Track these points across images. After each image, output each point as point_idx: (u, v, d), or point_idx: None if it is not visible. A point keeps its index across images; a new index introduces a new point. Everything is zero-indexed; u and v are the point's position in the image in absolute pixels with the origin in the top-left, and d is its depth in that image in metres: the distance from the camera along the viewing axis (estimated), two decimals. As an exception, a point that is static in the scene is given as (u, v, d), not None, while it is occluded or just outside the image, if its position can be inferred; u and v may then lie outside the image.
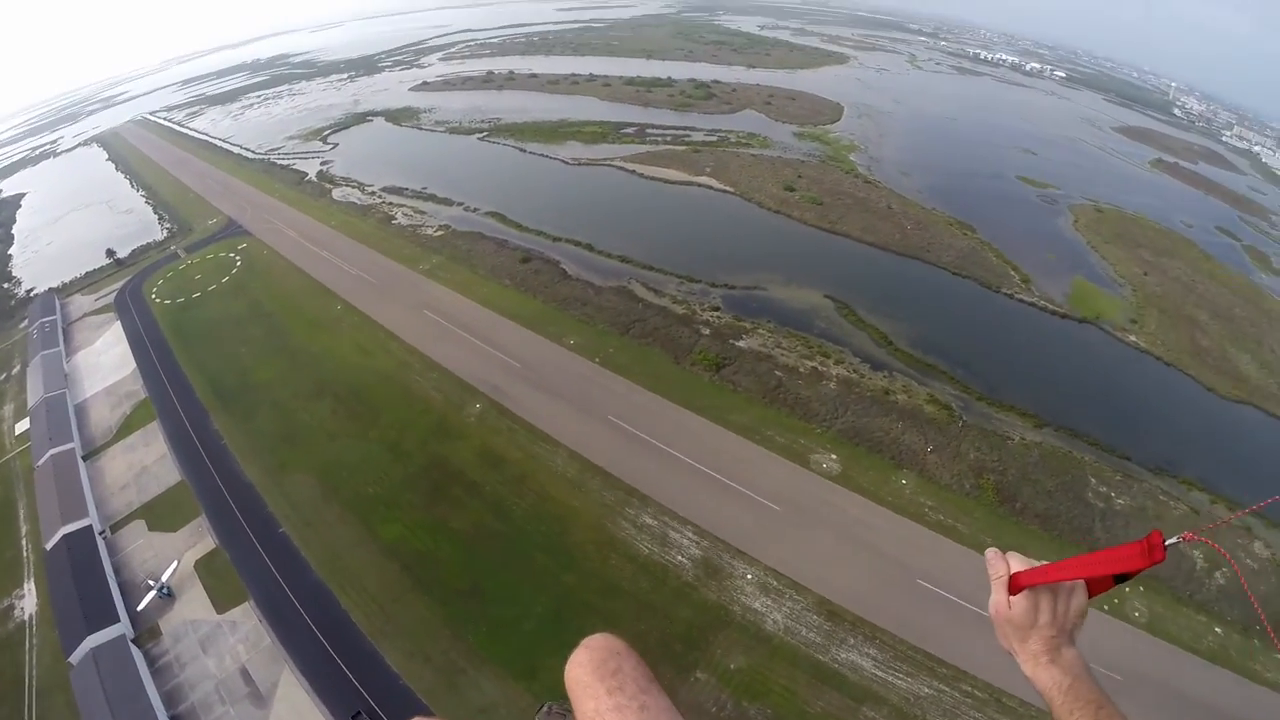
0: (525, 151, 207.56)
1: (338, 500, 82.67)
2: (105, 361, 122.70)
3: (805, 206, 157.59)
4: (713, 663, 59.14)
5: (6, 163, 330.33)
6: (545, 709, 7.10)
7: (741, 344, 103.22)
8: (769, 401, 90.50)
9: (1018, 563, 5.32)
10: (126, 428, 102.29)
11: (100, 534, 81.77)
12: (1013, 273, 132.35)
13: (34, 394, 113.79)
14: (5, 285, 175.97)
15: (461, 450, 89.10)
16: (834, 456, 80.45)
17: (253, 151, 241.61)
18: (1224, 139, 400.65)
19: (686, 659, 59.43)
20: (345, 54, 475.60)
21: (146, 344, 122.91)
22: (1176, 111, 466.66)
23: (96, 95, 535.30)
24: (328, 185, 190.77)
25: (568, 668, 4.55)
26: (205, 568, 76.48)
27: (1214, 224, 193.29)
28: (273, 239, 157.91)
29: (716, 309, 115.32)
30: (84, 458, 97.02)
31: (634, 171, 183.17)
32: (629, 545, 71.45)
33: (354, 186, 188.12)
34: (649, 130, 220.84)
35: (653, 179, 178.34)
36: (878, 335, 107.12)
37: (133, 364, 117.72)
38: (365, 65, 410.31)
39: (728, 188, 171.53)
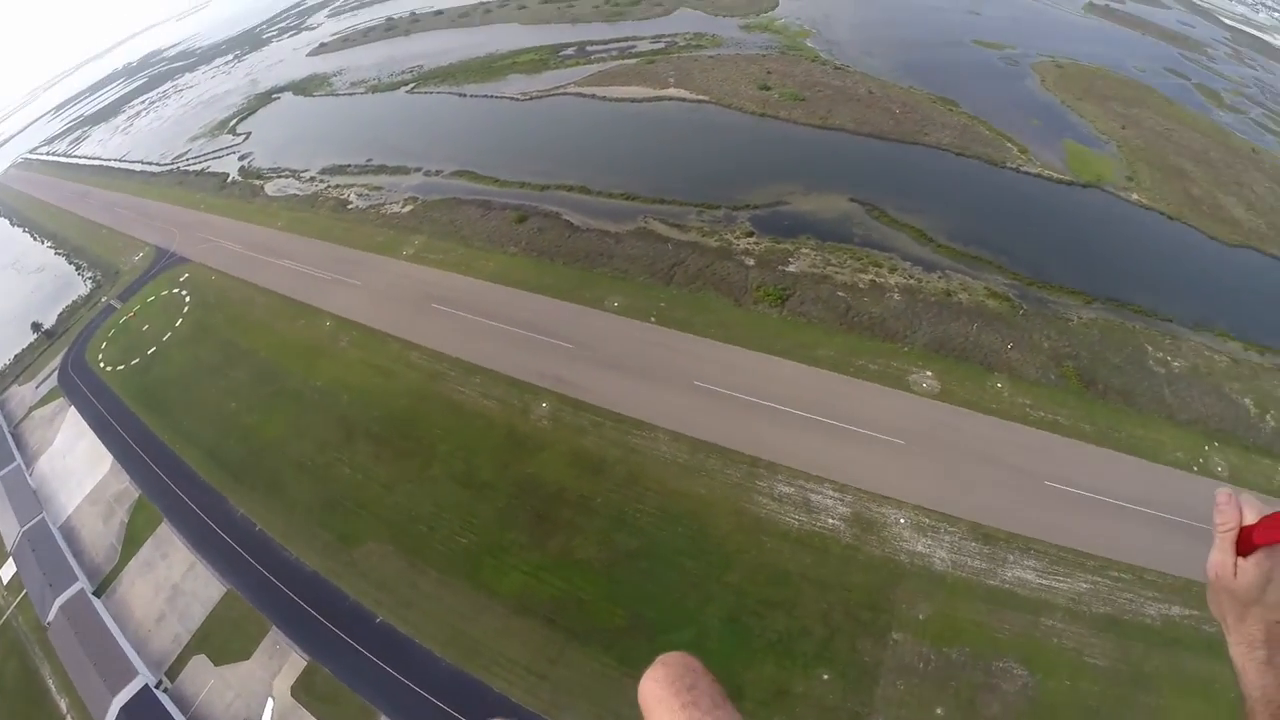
0: (465, 96, 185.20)
1: (429, 564, 68.46)
2: (74, 463, 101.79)
3: (789, 105, 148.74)
4: (903, 619, 56.96)
5: None
6: None
7: (792, 268, 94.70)
8: (846, 328, 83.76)
9: (1252, 511, 4.15)
10: (132, 540, 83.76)
11: (160, 688, 65.45)
12: (1010, 145, 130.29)
13: (6, 527, 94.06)
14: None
15: (550, 464, 75.44)
16: (929, 373, 76.41)
17: (156, 164, 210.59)
18: None
19: (878, 624, 56.80)
20: (222, 34, 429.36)
21: (115, 426, 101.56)
22: None
23: None
24: (256, 182, 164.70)
25: (643, 683, 4.29)
26: (308, 692, 61.71)
27: (1163, 66, 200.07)
28: (217, 259, 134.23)
29: (750, 234, 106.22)
30: (96, 593, 79.91)
31: (593, 95, 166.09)
32: (776, 522, 64.81)
33: (287, 176, 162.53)
34: (589, 48, 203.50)
35: (617, 100, 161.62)
36: (915, 233, 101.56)
37: (108, 457, 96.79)
38: (248, 41, 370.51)
39: (701, 96, 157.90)
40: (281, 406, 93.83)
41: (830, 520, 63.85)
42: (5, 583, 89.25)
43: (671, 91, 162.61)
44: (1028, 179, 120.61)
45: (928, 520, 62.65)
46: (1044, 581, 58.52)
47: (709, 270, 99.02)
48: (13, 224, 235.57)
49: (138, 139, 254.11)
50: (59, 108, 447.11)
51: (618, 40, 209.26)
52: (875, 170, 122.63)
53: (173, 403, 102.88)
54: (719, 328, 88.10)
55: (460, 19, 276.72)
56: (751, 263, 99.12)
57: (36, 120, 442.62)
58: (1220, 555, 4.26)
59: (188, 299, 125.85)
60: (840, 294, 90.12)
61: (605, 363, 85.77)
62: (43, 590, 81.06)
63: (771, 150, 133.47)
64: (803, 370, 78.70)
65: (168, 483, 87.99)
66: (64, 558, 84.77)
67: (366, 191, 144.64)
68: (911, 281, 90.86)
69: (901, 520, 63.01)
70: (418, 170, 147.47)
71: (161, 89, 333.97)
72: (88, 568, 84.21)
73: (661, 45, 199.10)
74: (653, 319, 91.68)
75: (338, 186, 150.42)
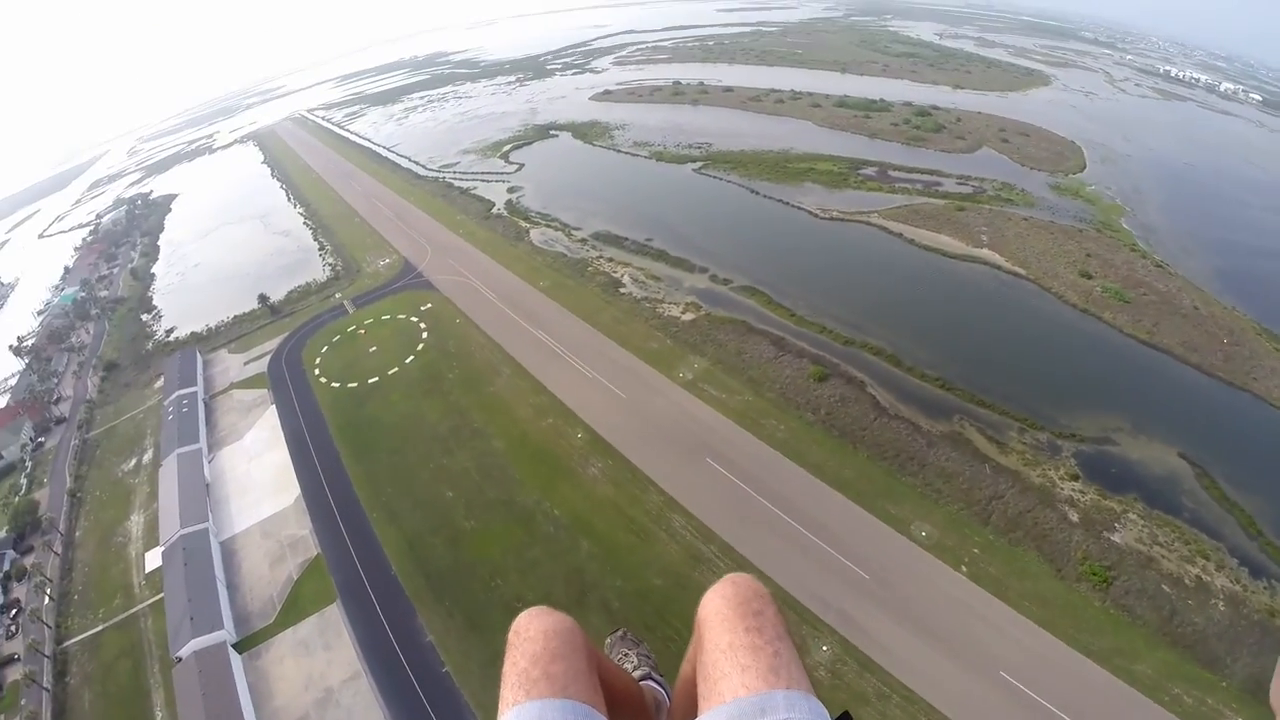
0: (757, 194, 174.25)
1: None
2: (258, 474, 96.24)
3: (1112, 305, 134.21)
4: None
5: (162, 156, 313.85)
6: (620, 634, 7.56)
7: (1117, 538, 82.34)
8: (1168, 639, 71.21)
9: None
10: (295, 607, 75.93)
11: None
12: None
13: (166, 518, 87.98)
14: (145, 318, 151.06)
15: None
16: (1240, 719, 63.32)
17: (424, 167, 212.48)
18: None
19: None
20: (507, 54, 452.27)
21: (313, 455, 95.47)
22: None
23: (253, 89, 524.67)
24: (523, 223, 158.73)
25: (707, 597, 4.39)
26: None
27: None
28: (466, 300, 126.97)
29: (1075, 477, 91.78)
30: (238, 648, 72.40)
31: (900, 235, 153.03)
32: None
33: (556, 228, 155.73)
34: (891, 173, 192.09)
35: (926, 248, 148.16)
36: (1245, 520, 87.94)
37: (296, 488, 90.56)
38: (532, 67, 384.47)
39: (1018, 269, 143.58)
40: (506, 522, 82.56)
41: None
42: (149, 570, 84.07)
43: (985, 254, 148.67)
44: None
45: None
46: None
47: (1029, 518, 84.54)
48: (273, 174, 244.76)
49: (410, 134, 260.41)
50: (344, 79, 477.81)
51: (921, 171, 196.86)
52: (1205, 418, 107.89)
53: (382, 456, 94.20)
54: (1035, 602, 73.57)
55: (750, 101, 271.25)
56: (1075, 518, 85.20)
57: (321, 83, 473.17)
58: None
59: (425, 334, 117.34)
60: (1165, 588, 77.36)
61: (903, 613, 71.30)
62: (182, 620, 74.06)
63: (1096, 361, 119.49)
64: (1117, 688, 66.27)
65: (353, 557, 79.38)
66: (216, 592, 77.32)
67: (643, 279, 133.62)
68: (1238, 589, 78.67)
69: None
70: (703, 270, 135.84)
71: (441, 90, 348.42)
72: (238, 612, 77.07)
73: (969, 190, 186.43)
74: (964, 569, 76.87)
75: (611, 261, 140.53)
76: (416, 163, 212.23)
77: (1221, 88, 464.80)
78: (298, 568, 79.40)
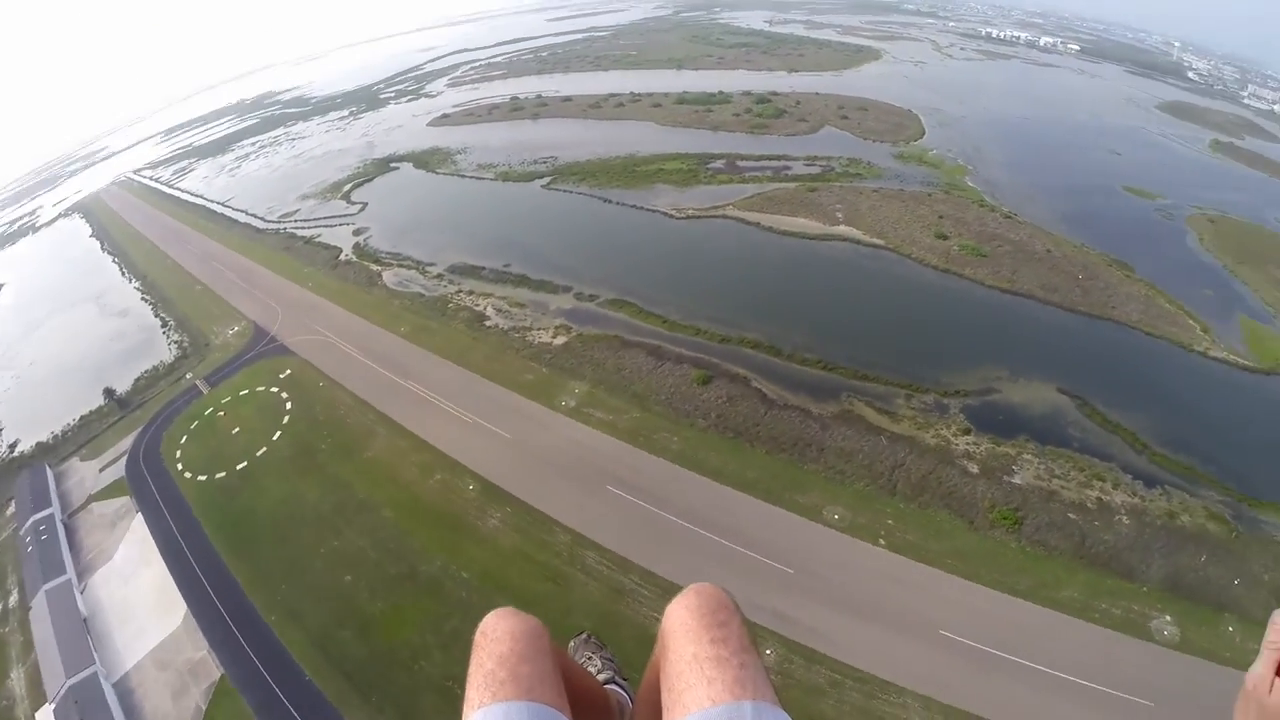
0: (610, 202, 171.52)
1: None
2: (137, 596, 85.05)
3: (970, 260, 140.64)
4: None
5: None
6: (584, 637, 7.57)
7: (1017, 480, 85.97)
8: (1085, 561, 76.18)
9: None
10: None
11: None
12: (1192, 323, 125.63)
13: (49, 668, 76.45)
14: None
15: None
16: (1168, 618, 70.60)
17: (263, 219, 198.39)
18: (1244, 101, 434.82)
19: None
20: (338, 86, 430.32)
21: (193, 563, 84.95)
22: (1191, 75, 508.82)
23: (76, 154, 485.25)
24: (374, 266, 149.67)
25: (671, 608, 4.39)
26: None
27: None
28: (328, 361, 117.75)
29: (967, 431, 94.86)
30: None
31: (759, 224, 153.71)
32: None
33: (410, 266, 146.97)
34: (740, 163, 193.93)
35: (785, 233, 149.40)
36: (1129, 437, 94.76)
37: (181, 606, 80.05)
38: (365, 98, 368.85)
39: (877, 240, 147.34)
40: (415, 597, 75.81)
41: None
42: (43, 731, 73.21)
43: (843, 230, 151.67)
44: (1216, 365, 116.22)
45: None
46: None
47: (933, 479, 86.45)
48: (104, 248, 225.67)
49: (245, 184, 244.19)
50: (169, 132, 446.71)
51: (769, 158, 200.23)
52: (1076, 352, 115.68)
53: (268, 551, 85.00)
54: (957, 558, 75.84)
55: (591, 109, 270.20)
56: (975, 469, 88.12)
57: (144, 140, 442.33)
58: (1262, 669, 4.26)
59: (289, 405, 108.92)
60: (1071, 516, 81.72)
61: (835, 598, 71.22)
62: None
63: (966, 317, 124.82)
64: (1049, 617, 70.21)
65: (261, 671, 70.61)
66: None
67: (507, 308, 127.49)
68: (1136, 500, 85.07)
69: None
70: (567, 290, 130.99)
71: (273, 134, 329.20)
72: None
73: (818, 169, 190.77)
74: (882, 542, 77.64)
75: (471, 294, 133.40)
76: (255, 215, 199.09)
77: (1041, 42, 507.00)
78: (203, 695, 70.36)
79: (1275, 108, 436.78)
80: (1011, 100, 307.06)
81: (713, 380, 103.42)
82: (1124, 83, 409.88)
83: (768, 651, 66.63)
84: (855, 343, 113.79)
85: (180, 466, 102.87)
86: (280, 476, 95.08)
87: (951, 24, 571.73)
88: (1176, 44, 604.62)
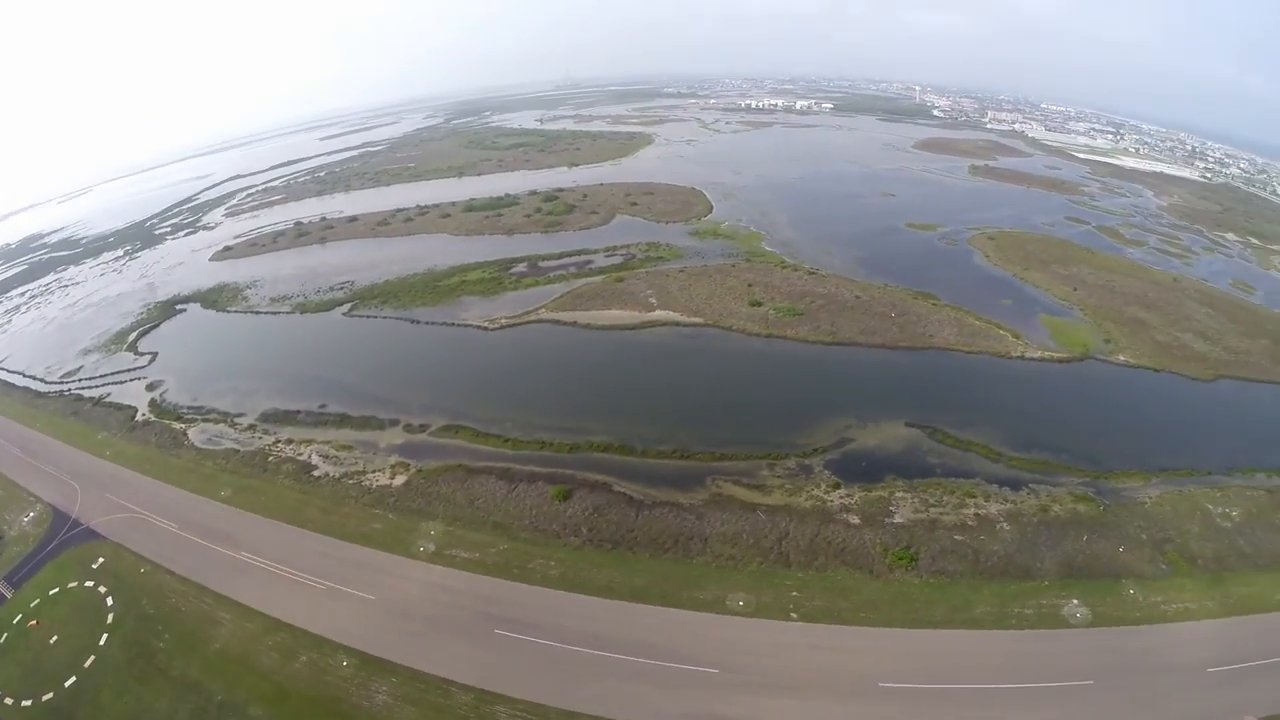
0: (418, 322, 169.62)
1: None
2: None
3: (789, 321, 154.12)
4: None
5: None
6: None
7: (898, 519, 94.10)
8: (985, 575, 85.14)
9: None
10: None
11: None
12: (1003, 332, 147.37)
13: None
14: None
15: None
16: (1075, 602, 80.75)
17: (43, 381, 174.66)
18: (988, 126, 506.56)
19: None
20: (109, 224, 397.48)
21: None
22: (937, 113, 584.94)
23: None
24: (176, 424, 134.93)
25: None
26: None
27: (1063, 215, 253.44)
28: (145, 543, 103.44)
29: (837, 486, 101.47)
30: None
31: (574, 323, 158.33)
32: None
33: (217, 420, 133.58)
34: (542, 264, 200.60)
35: (604, 328, 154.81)
36: (983, 450, 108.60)
37: None
38: (140, 235, 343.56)
39: (695, 319, 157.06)
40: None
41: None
42: None
43: (659, 314, 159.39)
44: (1035, 365, 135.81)
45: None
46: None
47: (821, 540, 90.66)
48: None
49: (16, 341, 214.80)
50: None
51: (569, 254, 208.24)
52: (911, 385, 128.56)
53: None
54: (869, 610, 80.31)
55: (380, 226, 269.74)
56: (856, 520, 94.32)
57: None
58: None
59: (110, 601, 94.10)
60: (959, 538, 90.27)
61: (768, 685, 71.36)
62: None
63: (801, 376, 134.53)
64: (973, 637, 76.82)
65: None
66: None
67: (334, 452, 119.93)
68: (1009, 506, 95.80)
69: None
70: (394, 423, 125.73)
71: (44, 281, 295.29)
72: None
73: (619, 259, 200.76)
74: (794, 615, 79.71)
75: (291, 443, 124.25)
76: (33, 377, 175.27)
77: (798, 106, 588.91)
78: None
79: (1015, 126, 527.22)
80: (783, 163, 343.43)
81: (573, 493, 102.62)
82: (880, 130, 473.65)
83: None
84: (703, 424, 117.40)
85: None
86: (118, 689, 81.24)
87: (712, 101, 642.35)
88: (917, 88, 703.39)
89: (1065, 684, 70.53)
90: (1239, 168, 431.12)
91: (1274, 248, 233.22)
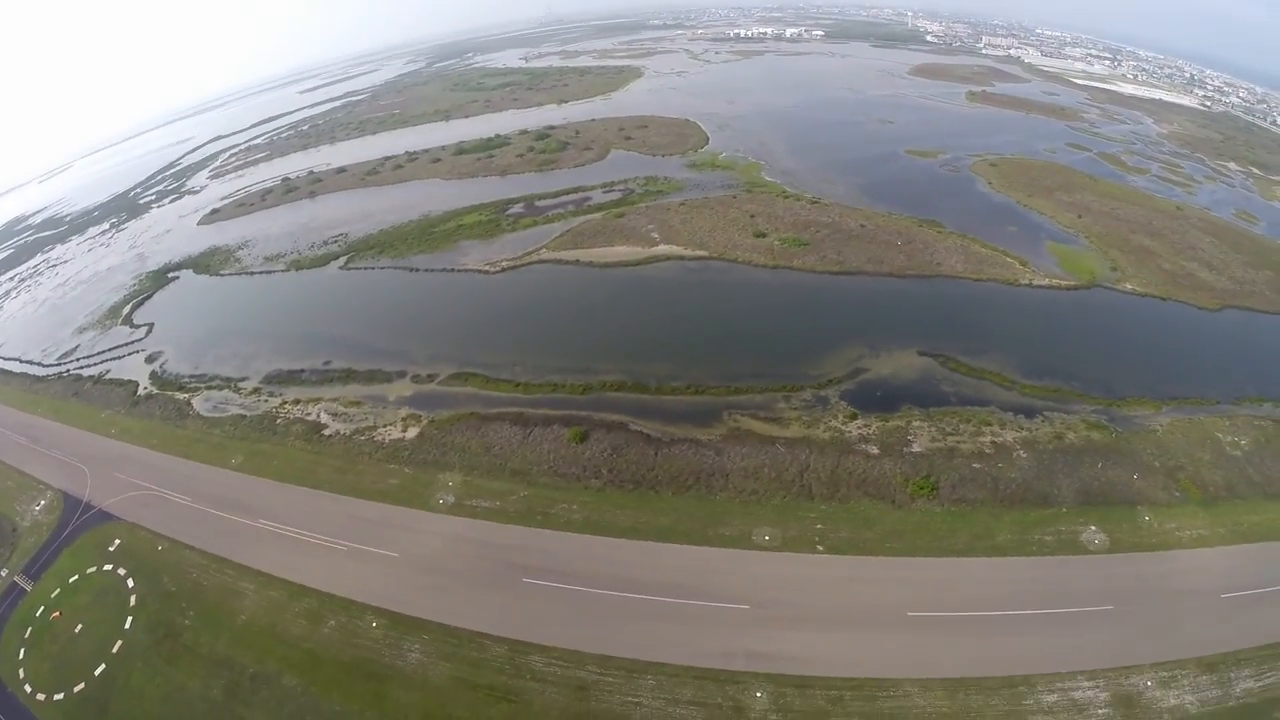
0: (417, 270, 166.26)
1: None
2: None
3: (795, 251, 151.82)
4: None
5: None
6: None
7: (916, 448, 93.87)
8: (1005, 503, 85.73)
9: None
10: None
11: None
12: (1010, 260, 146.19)
13: None
14: None
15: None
16: (1093, 528, 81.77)
17: (41, 364, 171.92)
18: (983, 52, 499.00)
19: None
20: (92, 198, 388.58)
21: None
22: (930, 38, 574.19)
23: None
24: (180, 395, 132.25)
25: None
26: None
27: (1064, 142, 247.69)
28: (157, 518, 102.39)
29: (854, 416, 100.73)
30: None
31: (577, 261, 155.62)
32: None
33: (221, 386, 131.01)
34: (539, 203, 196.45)
35: (607, 265, 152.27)
36: (997, 379, 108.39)
37: None
38: (124, 206, 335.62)
39: (700, 252, 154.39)
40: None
41: (1099, 711, 63.33)
42: None
43: (663, 249, 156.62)
44: (1043, 293, 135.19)
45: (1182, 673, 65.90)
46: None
47: (842, 471, 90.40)
48: None
49: (10, 328, 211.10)
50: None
51: (566, 192, 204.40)
52: (921, 313, 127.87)
53: None
54: (894, 540, 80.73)
55: (369, 176, 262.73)
56: (876, 450, 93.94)
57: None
58: None
59: (130, 583, 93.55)
60: (976, 466, 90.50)
61: (798, 618, 71.83)
62: None
63: (811, 306, 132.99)
64: (996, 565, 77.90)
65: None
66: None
67: (343, 409, 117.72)
68: (1025, 434, 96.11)
69: (1149, 682, 65.42)
70: (401, 375, 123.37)
71: (32, 263, 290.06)
72: None
73: (617, 194, 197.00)
74: (820, 548, 79.92)
75: (298, 403, 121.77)
76: (30, 362, 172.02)
77: (788, 34, 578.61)
78: None
79: (1010, 52, 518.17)
80: (777, 92, 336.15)
81: (590, 435, 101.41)
82: (873, 56, 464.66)
83: (758, 694, 65.71)
84: (716, 358, 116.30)
85: (28, 688, 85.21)
86: (150, 672, 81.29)
87: (699, 31, 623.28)
88: (909, 13, 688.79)
89: (1086, 609, 71.81)
90: (1238, 96, 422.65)
91: (1275, 178, 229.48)
